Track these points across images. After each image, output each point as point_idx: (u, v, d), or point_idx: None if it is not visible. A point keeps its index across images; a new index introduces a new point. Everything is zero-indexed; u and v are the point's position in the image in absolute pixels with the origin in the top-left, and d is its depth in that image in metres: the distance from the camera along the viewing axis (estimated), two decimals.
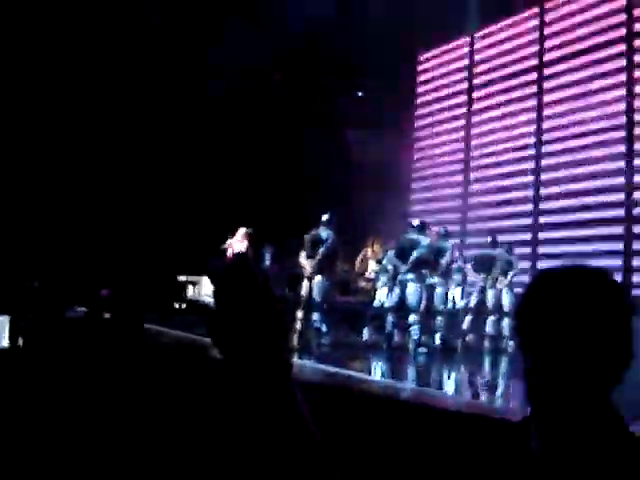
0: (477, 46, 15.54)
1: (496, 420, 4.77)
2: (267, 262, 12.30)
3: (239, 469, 2.03)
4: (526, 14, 14.36)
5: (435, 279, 10.30)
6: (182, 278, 13.47)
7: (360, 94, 16.55)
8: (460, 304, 11.14)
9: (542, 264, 12.65)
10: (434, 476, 3.72)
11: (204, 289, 12.70)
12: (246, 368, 2.11)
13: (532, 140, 13.85)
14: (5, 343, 4.47)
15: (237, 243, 11.66)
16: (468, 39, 15.75)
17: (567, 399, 1.31)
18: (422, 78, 17.00)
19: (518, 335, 1.39)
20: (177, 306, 12.43)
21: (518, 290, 10.08)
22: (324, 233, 10.20)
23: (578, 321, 1.30)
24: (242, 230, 11.73)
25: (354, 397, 5.94)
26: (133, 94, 15.14)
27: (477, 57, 15.52)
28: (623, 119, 12.22)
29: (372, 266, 12.53)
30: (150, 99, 15.19)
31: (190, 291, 13.13)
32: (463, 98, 15.76)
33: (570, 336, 1.29)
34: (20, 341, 4.56)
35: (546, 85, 13.78)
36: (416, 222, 10.84)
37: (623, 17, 12.41)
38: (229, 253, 11.69)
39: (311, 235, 10.34)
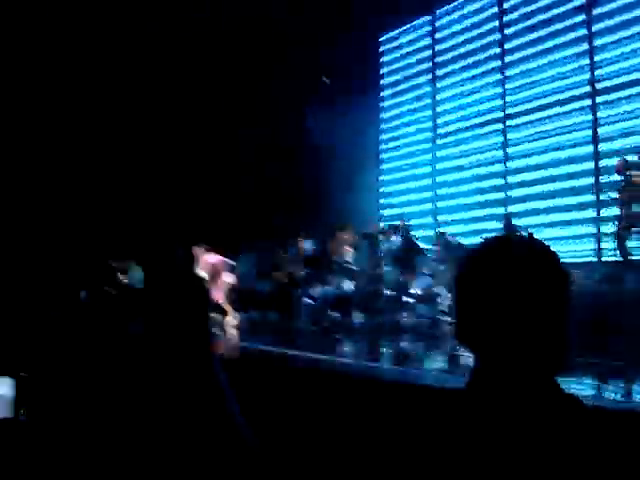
0: (438, 24, 15.53)
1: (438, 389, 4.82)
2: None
3: (155, 433, 2.09)
4: None
5: None
6: (113, 264, 13.43)
7: (326, 80, 16.50)
8: None
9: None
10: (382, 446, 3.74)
11: (135, 274, 12.70)
12: (169, 345, 2.20)
13: (498, 114, 13.90)
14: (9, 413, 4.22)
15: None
16: (429, 17, 15.75)
17: (509, 369, 1.31)
18: (386, 58, 16.98)
19: (457, 304, 1.39)
20: (108, 290, 12.37)
21: None
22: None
23: (518, 291, 1.30)
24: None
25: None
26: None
27: (439, 35, 15.52)
28: (587, 88, 12.29)
29: (347, 251, 12.51)
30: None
31: (121, 277, 13.09)
32: (428, 76, 15.77)
33: (510, 308, 1.30)
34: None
35: (508, 58, 13.81)
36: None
37: None
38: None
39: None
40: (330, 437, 4.59)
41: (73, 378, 5.18)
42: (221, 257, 11.39)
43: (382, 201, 16.24)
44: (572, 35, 12.56)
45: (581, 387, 4.91)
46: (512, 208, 13.19)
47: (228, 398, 2.23)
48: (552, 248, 1.39)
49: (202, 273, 11.02)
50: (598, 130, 12.00)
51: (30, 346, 6.06)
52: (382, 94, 16.94)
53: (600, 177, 11.69)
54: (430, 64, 15.70)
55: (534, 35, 13.24)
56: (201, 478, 2.10)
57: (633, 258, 9.95)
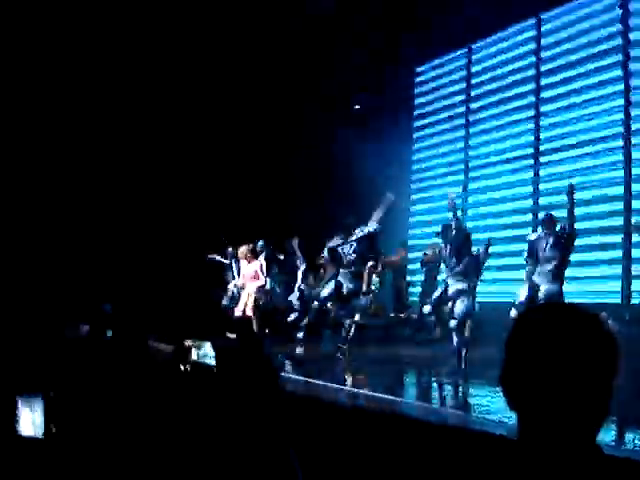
0: (475, 57, 15.59)
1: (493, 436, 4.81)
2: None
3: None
4: (523, 24, 14.42)
5: None
6: (187, 342, 13.68)
7: (357, 107, 16.59)
8: None
9: None
10: None
11: (206, 351, 12.95)
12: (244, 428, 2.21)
13: (530, 150, 13.89)
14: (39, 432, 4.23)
15: (245, 264, 11.74)
16: (466, 50, 15.82)
17: (555, 432, 1.33)
18: (420, 90, 17.06)
19: (506, 368, 1.41)
20: (182, 368, 12.54)
21: None
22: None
23: (568, 363, 1.32)
24: (244, 248, 11.80)
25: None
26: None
27: (474, 68, 15.57)
28: (621, 128, 12.26)
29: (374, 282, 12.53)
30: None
31: (194, 354, 13.32)
32: (461, 109, 15.81)
33: (558, 377, 1.32)
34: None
35: (543, 95, 13.83)
36: None
37: (619, 27, 12.47)
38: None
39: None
40: None
41: (101, 396, 5.23)
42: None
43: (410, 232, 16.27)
44: (607, 75, 12.55)
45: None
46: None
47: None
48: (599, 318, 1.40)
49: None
50: (632, 170, 11.94)
51: (58, 364, 6.10)
52: (415, 125, 16.99)
53: (631, 217, 11.61)
54: (464, 97, 15.74)
55: (569, 73, 13.24)
56: None
57: None
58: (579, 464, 1.32)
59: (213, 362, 11.12)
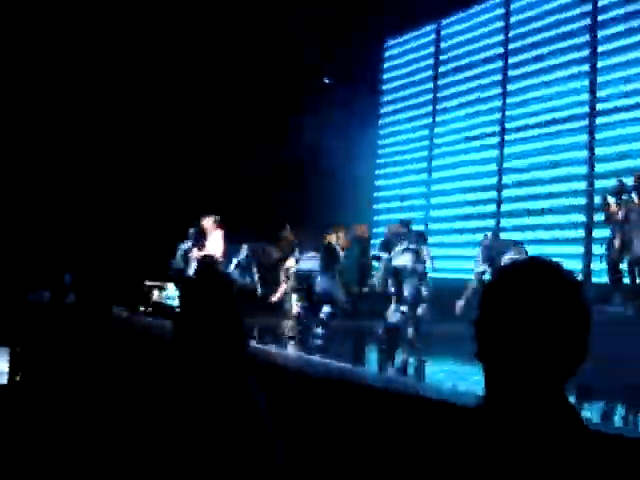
0: (444, 33, 15.60)
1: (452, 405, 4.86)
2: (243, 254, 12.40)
3: (191, 448, 2.09)
4: (492, 2, 14.46)
5: None
6: (148, 283, 13.65)
7: (327, 80, 16.53)
8: None
9: None
10: (395, 462, 3.79)
11: (168, 293, 12.83)
12: (206, 363, 2.19)
13: (496, 128, 13.97)
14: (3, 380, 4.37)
15: (211, 232, 11.68)
16: (435, 26, 15.82)
17: (522, 388, 1.35)
18: (388, 64, 17.05)
19: (478, 324, 1.43)
20: (143, 309, 12.51)
21: None
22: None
23: (537, 314, 1.34)
24: (210, 219, 11.73)
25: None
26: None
27: (444, 44, 15.59)
28: (586, 109, 12.38)
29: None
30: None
31: (155, 295, 13.25)
32: (429, 85, 15.84)
33: (528, 328, 1.34)
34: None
35: (510, 73, 13.89)
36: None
37: (589, 7, 12.55)
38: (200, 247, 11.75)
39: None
40: (344, 448, 4.61)
41: (62, 353, 5.24)
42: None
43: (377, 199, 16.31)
44: (574, 55, 12.65)
45: None
46: (504, 222, 13.27)
47: (261, 410, 2.23)
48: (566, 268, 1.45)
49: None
50: (595, 151, 12.08)
51: (22, 324, 6.12)
52: (382, 99, 16.99)
53: (594, 198, 11.75)
54: (432, 72, 15.76)
55: (537, 52, 13.32)
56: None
57: (623, 281, 10.01)
58: (545, 417, 1.35)
59: (176, 303, 11.19)
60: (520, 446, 1.32)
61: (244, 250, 12.45)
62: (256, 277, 12.32)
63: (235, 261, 12.25)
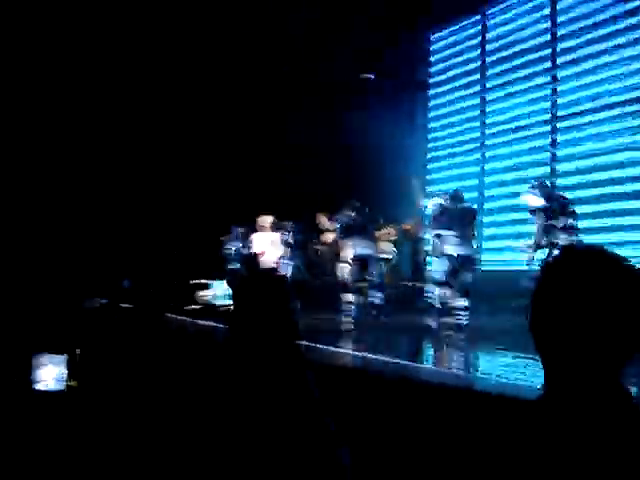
0: (489, 23, 15.42)
1: (512, 398, 4.79)
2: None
3: (250, 444, 2.08)
4: None
5: None
6: (194, 281, 13.85)
7: (370, 76, 16.48)
8: None
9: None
10: (452, 455, 3.75)
11: (216, 292, 12.95)
12: (261, 358, 2.19)
13: (547, 116, 13.74)
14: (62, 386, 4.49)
15: (263, 235, 11.72)
16: (479, 17, 15.65)
17: (582, 379, 1.35)
18: (435, 57, 16.93)
19: (534, 314, 1.42)
20: (189, 307, 12.69)
21: None
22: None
23: (593, 303, 1.33)
24: (267, 218, 11.77)
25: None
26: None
27: (489, 35, 15.41)
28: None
29: (386, 246, 12.56)
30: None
31: (201, 294, 13.41)
32: (476, 76, 15.67)
33: (585, 317, 1.33)
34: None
35: (560, 60, 13.65)
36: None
37: None
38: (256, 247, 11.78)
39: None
40: (404, 447, 4.58)
41: (119, 358, 5.33)
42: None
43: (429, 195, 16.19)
44: (626, 38, 12.34)
45: None
46: None
47: (319, 405, 2.21)
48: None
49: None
50: None
51: (78, 330, 6.23)
52: (430, 93, 16.88)
53: None
54: (479, 64, 15.59)
55: (587, 37, 13.05)
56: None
57: None
58: (604, 408, 1.34)
59: (225, 301, 11.23)
60: (581, 436, 1.31)
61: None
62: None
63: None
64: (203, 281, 13.64)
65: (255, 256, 9.31)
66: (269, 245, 11.58)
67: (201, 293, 13.44)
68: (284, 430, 2.13)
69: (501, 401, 4.84)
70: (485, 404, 4.86)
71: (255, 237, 11.91)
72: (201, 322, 10.68)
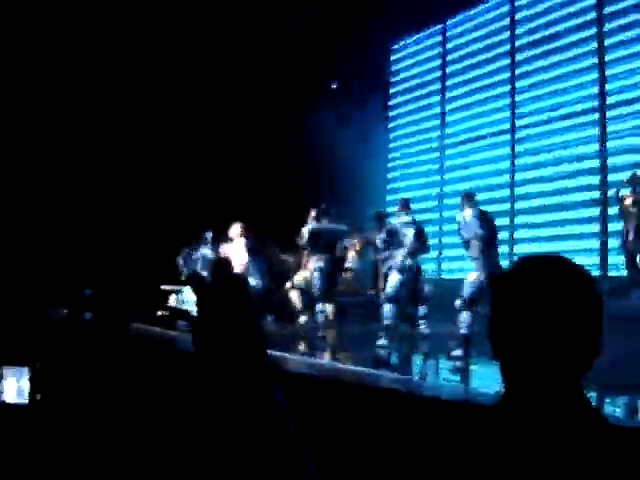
0: (450, 34, 15.59)
1: (469, 404, 4.84)
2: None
3: (217, 458, 2.09)
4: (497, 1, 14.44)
5: None
6: (165, 287, 13.72)
7: (334, 86, 16.55)
8: None
9: (519, 248, 12.77)
10: (413, 463, 3.79)
11: (186, 297, 12.83)
12: (227, 369, 2.19)
13: (506, 126, 13.92)
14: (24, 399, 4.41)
15: (235, 239, 11.68)
16: (440, 27, 15.81)
17: (539, 384, 1.36)
18: (395, 67, 17.04)
19: (491, 321, 1.44)
20: (160, 313, 12.57)
21: None
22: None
23: (551, 310, 1.35)
24: (237, 226, 11.73)
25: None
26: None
27: (449, 45, 15.58)
28: (596, 102, 12.31)
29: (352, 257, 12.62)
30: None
31: (172, 299, 13.30)
32: (437, 86, 15.81)
33: (542, 324, 1.35)
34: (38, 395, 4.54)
35: (518, 71, 13.85)
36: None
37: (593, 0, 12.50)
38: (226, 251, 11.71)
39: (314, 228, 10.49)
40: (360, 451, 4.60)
41: (81, 370, 5.26)
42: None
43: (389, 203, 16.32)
44: (582, 49, 12.59)
45: None
46: (518, 220, 13.21)
47: (287, 418, 2.23)
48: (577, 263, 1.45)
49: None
50: (606, 144, 12.02)
51: (41, 342, 6.15)
52: (390, 102, 16.98)
53: (607, 190, 11.67)
54: (440, 73, 15.74)
55: (544, 48, 13.26)
56: None
57: None
58: (564, 414, 1.35)
59: (192, 308, 11.15)
60: (540, 440, 1.33)
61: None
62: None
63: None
64: (175, 287, 13.51)
65: (222, 263, 9.25)
66: (237, 252, 11.55)
67: (172, 298, 13.31)
68: (250, 438, 2.14)
69: (459, 407, 4.89)
70: (444, 410, 4.91)
71: (226, 245, 11.90)
72: (166, 331, 10.62)
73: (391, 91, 17.04)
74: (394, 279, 9.63)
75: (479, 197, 13.79)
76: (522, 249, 12.58)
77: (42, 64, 14.53)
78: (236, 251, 11.47)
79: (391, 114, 16.95)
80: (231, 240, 11.79)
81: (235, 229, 11.73)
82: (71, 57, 14.62)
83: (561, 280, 1.38)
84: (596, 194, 11.99)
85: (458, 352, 8.28)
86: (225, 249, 11.77)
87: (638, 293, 9.73)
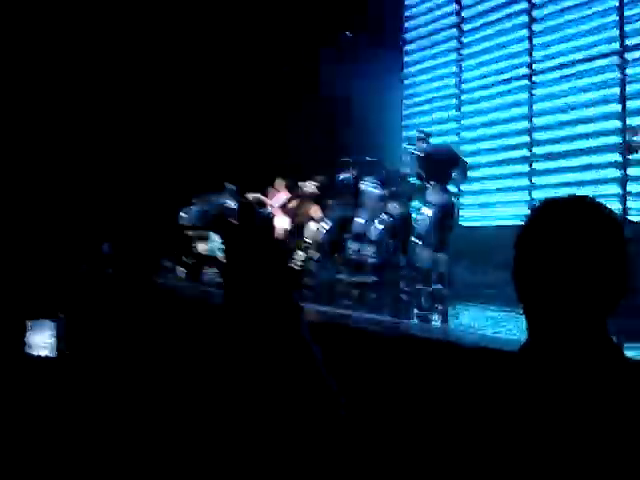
0: None
1: (494, 350, 4.84)
2: None
3: (246, 406, 2.09)
4: None
5: None
6: (190, 233, 13.72)
7: (349, 34, 16.35)
8: None
9: (538, 194, 12.67)
10: (433, 411, 3.80)
11: (213, 243, 12.81)
12: (258, 314, 2.17)
13: (525, 71, 13.71)
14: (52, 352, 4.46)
15: (278, 194, 11.82)
16: None
17: (566, 327, 1.35)
18: (410, 12, 16.77)
19: (516, 264, 1.44)
20: (187, 260, 12.63)
21: None
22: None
23: (576, 250, 1.35)
24: (280, 181, 11.85)
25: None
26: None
27: None
28: (617, 45, 12.07)
29: None
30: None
31: (199, 246, 13.30)
32: (452, 32, 15.56)
33: (568, 265, 1.35)
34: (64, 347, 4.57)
35: (536, 13, 13.58)
36: None
37: None
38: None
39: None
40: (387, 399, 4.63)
41: (106, 323, 5.32)
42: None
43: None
44: None
45: None
46: (536, 166, 13.10)
47: (318, 362, 2.22)
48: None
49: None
50: (627, 87, 11.81)
51: (64, 295, 6.21)
52: (406, 48, 16.74)
53: (627, 136, 11.48)
54: (455, 18, 15.47)
55: None
56: (289, 440, 2.09)
57: None
58: (589, 357, 1.35)
59: (220, 254, 11.19)
60: (566, 384, 1.32)
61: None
62: None
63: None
64: (201, 232, 13.50)
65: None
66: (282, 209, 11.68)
67: (200, 245, 13.30)
68: (284, 389, 2.14)
69: (484, 354, 4.90)
70: (468, 357, 4.91)
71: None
72: (193, 284, 10.70)
73: (407, 36, 16.77)
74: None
75: (499, 143, 13.83)
76: (541, 195, 12.46)
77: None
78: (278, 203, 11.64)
79: (407, 59, 16.71)
80: (274, 194, 11.92)
81: (279, 183, 11.91)
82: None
83: (586, 219, 1.39)
84: (617, 139, 11.81)
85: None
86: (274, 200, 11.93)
87: None
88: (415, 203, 11.51)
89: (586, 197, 1.44)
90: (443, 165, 10.12)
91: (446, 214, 9.90)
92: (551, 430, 1.29)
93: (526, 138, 13.48)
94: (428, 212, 9.60)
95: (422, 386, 4.62)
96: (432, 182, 9.91)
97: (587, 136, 12.21)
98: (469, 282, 10.55)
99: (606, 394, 1.30)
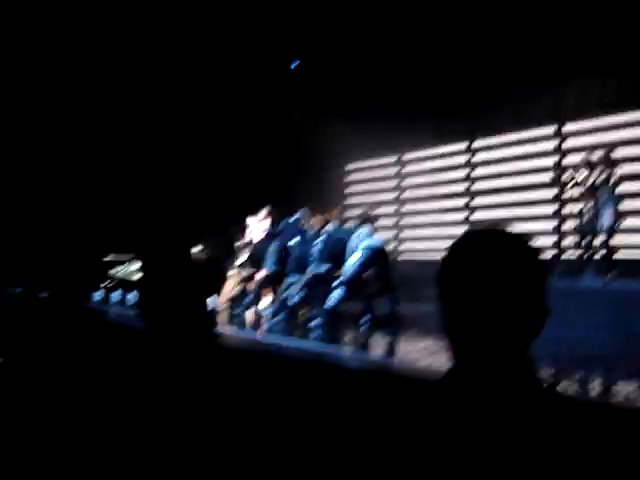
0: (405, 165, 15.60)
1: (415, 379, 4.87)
2: None
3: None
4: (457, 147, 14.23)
5: None
6: (109, 258, 13.66)
7: None
8: None
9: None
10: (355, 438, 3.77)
11: (131, 267, 12.77)
12: (173, 338, 2.16)
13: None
14: None
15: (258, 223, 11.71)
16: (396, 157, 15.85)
17: (488, 355, 1.35)
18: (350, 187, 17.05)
19: (439, 294, 1.43)
20: (106, 284, 12.52)
21: None
22: None
23: (497, 280, 1.34)
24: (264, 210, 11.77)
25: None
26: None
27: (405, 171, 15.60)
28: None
29: None
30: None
31: (118, 270, 13.23)
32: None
33: (490, 294, 1.34)
34: None
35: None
36: None
37: None
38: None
39: None
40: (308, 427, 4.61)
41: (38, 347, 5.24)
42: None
43: None
44: None
45: None
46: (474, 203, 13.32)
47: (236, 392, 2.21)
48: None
49: None
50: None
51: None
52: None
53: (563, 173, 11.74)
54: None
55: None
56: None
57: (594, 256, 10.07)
58: (508, 382, 1.36)
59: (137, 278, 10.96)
60: (488, 410, 1.34)
61: None
62: None
63: None
64: (122, 258, 13.43)
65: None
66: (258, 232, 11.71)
67: (119, 269, 13.21)
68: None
69: (406, 383, 4.92)
70: (391, 386, 4.93)
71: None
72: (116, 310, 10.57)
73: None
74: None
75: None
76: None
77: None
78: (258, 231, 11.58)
79: None
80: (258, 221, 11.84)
81: (263, 212, 11.81)
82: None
83: (500, 250, 1.38)
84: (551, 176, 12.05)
85: None
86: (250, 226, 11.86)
87: (591, 273, 9.87)
88: None
89: (502, 228, 1.43)
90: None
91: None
92: (468, 461, 1.30)
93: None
94: None
95: (344, 415, 4.62)
96: None
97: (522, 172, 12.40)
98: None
99: (521, 421, 1.31)
